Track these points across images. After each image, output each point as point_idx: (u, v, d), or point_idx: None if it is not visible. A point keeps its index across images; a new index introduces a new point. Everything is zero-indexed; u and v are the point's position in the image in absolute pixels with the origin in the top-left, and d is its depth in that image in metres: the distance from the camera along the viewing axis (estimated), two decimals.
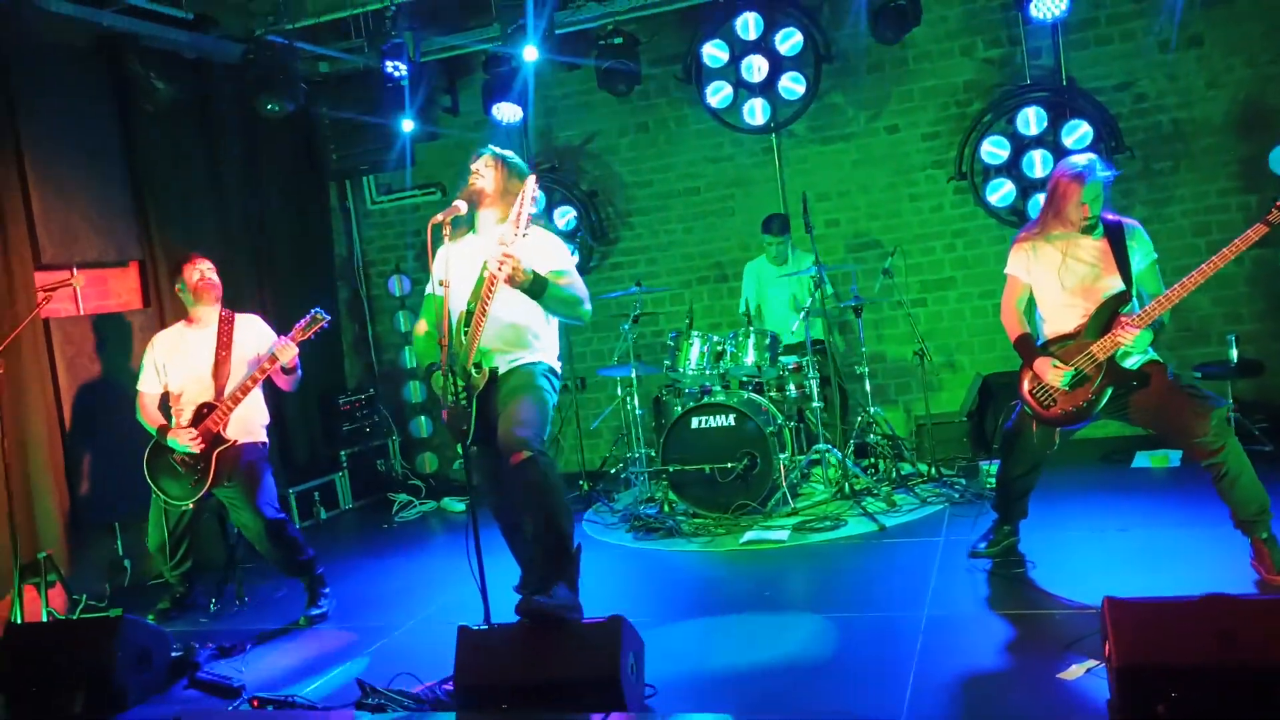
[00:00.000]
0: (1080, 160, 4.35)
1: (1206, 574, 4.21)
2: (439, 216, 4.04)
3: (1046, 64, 7.15)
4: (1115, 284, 4.29)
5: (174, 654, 4.47)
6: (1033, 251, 4.45)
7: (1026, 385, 4.47)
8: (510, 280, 3.94)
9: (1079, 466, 6.51)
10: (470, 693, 3.58)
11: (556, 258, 4.22)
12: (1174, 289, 4.12)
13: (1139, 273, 4.34)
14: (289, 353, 5.12)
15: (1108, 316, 4.27)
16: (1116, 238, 4.32)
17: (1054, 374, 4.33)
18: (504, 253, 3.92)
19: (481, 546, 3.85)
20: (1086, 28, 7.07)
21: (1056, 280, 4.38)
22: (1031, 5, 6.44)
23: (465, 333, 4.14)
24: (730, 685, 3.87)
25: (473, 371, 4.10)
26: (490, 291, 4.03)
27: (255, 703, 3.91)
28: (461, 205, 4.16)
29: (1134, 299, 4.29)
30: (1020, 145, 7.00)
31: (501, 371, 4.20)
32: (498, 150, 4.34)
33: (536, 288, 4.01)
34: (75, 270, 6.13)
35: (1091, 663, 3.51)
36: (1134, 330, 4.17)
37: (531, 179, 4.09)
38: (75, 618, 5.40)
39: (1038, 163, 6.95)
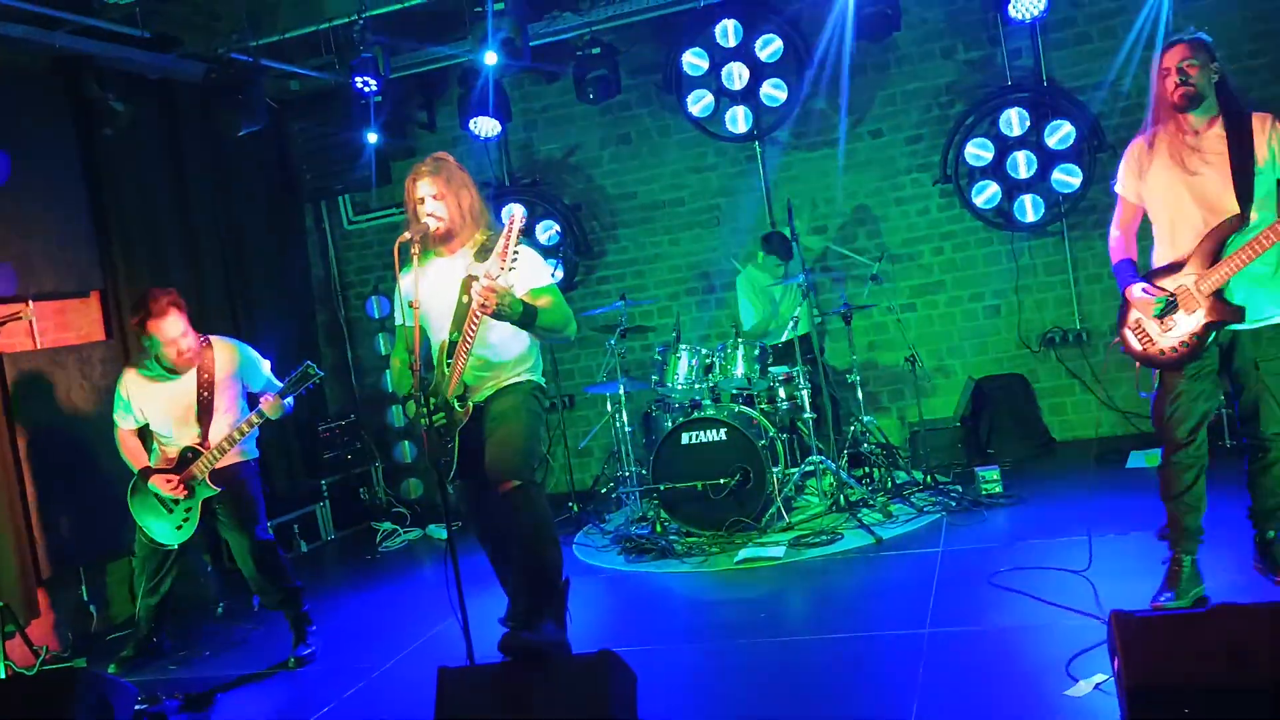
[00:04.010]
0: None
1: (1212, 579, 4.06)
2: (408, 234, 3.89)
3: (1027, 64, 7.06)
4: (1229, 201, 3.62)
5: (138, 707, 4.20)
6: (1141, 160, 3.83)
7: (1130, 318, 3.89)
8: (497, 315, 3.74)
9: (1072, 468, 6.40)
10: None
11: (536, 275, 3.99)
12: None
13: None
14: (278, 411, 4.87)
15: (1217, 243, 3.67)
16: (1239, 132, 3.60)
17: (1143, 301, 3.80)
18: (488, 288, 3.68)
19: (466, 577, 3.67)
20: (1065, 27, 7.01)
21: (1166, 191, 3.77)
22: (1010, 6, 6.37)
23: (448, 364, 3.95)
24: (729, 715, 3.71)
25: (455, 405, 3.92)
26: (475, 324, 3.83)
27: None
28: (430, 224, 3.98)
29: (1251, 219, 3.63)
30: (1004, 146, 6.90)
31: (487, 396, 4.02)
32: (439, 166, 3.99)
33: (525, 319, 3.82)
34: (31, 303, 5.87)
35: (1099, 677, 3.37)
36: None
37: (519, 211, 3.82)
38: (33, 672, 5.06)
39: (1021, 164, 6.87)
